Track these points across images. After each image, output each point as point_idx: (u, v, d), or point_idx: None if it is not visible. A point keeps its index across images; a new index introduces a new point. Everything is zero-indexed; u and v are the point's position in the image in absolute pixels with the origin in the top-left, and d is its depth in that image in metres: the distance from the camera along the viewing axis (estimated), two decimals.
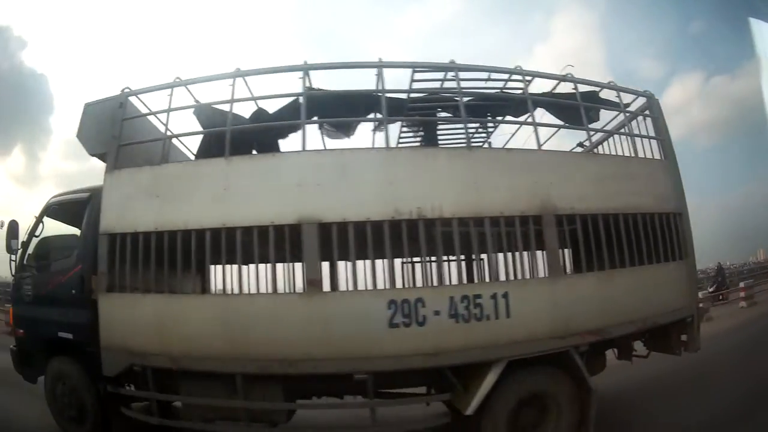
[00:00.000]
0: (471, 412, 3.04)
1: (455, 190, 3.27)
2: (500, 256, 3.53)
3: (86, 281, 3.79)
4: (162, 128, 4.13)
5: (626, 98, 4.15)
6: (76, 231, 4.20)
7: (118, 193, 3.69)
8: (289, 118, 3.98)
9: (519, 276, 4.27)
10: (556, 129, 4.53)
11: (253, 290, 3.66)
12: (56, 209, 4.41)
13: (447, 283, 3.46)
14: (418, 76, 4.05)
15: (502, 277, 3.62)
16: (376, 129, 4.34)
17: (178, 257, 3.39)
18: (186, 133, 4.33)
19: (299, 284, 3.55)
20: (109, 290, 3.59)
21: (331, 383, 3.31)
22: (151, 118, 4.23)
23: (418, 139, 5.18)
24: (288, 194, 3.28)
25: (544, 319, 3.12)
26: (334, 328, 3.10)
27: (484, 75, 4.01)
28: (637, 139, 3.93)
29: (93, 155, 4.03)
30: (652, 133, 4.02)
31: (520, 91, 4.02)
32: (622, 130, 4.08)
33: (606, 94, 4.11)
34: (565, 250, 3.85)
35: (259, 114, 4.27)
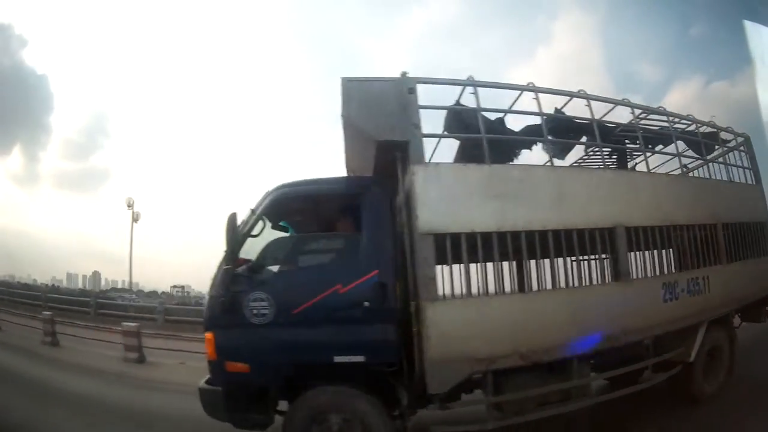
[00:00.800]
0: (692, 359, 4.32)
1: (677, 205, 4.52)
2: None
3: (389, 289, 3.22)
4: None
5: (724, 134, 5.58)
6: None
7: (440, 190, 3.34)
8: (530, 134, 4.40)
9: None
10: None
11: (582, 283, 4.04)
12: (290, 202, 3.42)
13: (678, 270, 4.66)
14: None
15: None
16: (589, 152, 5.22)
17: (524, 255, 3.48)
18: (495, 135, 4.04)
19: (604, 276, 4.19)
20: (435, 297, 3.23)
21: (620, 354, 4.00)
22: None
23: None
24: (603, 202, 3.90)
25: (722, 292, 4.68)
26: (634, 306, 3.90)
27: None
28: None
29: (380, 141, 3.42)
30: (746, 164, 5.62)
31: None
32: (721, 160, 5.60)
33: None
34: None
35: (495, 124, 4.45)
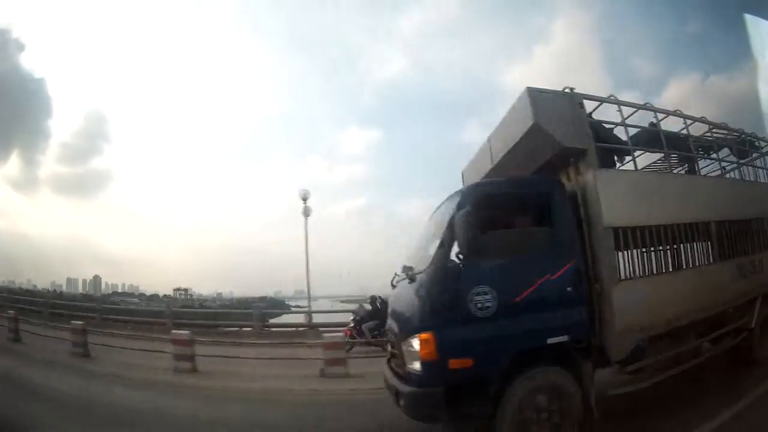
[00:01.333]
0: (753, 326, 5.24)
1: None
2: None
3: (583, 275, 3.73)
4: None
5: None
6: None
7: (613, 191, 3.96)
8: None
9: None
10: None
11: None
12: (491, 199, 3.83)
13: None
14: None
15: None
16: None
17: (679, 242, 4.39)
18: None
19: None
20: (617, 280, 3.89)
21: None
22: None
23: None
24: (702, 202, 4.79)
25: None
26: (725, 281, 4.87)
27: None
28: None
29: (565, 147, 3.98)
30: None
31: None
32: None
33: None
34: None
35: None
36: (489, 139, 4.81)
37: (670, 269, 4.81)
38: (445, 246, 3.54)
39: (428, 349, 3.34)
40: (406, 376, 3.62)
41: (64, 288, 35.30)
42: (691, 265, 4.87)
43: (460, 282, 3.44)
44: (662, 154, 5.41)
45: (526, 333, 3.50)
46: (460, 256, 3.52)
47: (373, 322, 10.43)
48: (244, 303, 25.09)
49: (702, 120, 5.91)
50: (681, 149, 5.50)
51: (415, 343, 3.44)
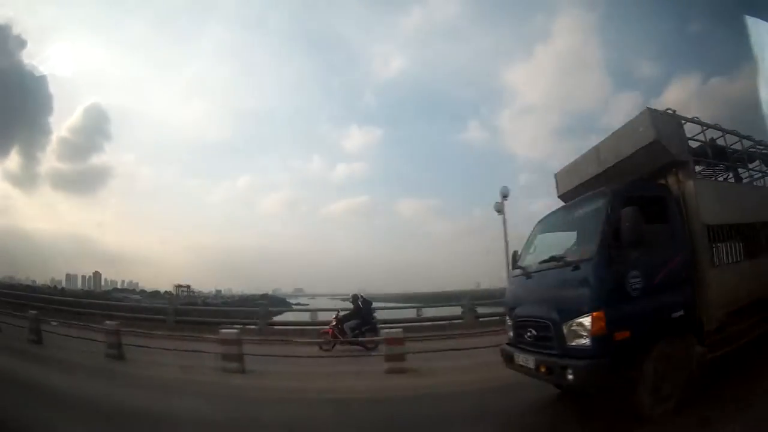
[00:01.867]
0: None
1: None
2: None
3: (690, 263, 4.68)
4: None
5: None
6: None
7: (706, 196, 4.96)
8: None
9: None
10: None
11: None
12: (627, 200, 4.57)
13: None
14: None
15: None
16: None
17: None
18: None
19: None
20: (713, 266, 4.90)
21: None
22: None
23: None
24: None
25: None
26: None
27: None
28: None
29: (677, 160, 4.96)
30: None
31: None
32: None
33: None
34: None
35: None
36: (597, 149, 5.68)
37: (748, 257, 5.70)
38: (607, 237, 4.26)
39: (599, 325, 4.02)
40: (567, 353, 4.22)
41: (63, 284, 33.70)
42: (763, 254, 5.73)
43: (621, 267, 4.19)
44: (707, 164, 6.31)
45: (660, 309, 4.35)
46: (619, 246, 4.20)
47: (354, 321, 10.57)
48: (246, 300, 24.42)
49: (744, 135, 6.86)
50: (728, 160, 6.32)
51: (587, 322, 4.09)
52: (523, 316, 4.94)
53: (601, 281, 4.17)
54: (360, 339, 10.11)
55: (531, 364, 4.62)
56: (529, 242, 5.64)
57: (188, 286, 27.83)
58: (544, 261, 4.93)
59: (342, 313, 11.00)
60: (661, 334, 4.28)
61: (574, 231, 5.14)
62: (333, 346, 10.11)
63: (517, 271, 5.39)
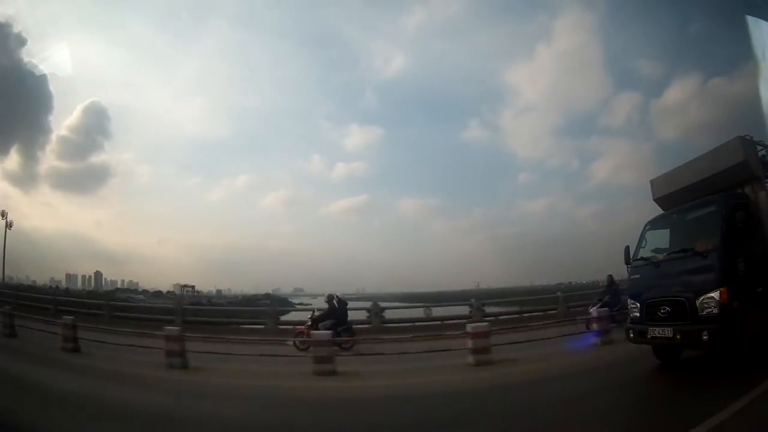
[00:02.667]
0: None
1: None
2: None
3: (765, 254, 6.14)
4: None
5: None
6: None
7: None
8: None
9: None
10: None
11: None
12: (734, 207, 5.99)
13: None
14: None
15: None
16: None
17: None
18: None
19: None
20: None
21: None
22: None
23: None
24: None
25: None
26: None
27: None
28: None
29: (759, 177, 6.41)
30: None
31: None
32: None
33: None
34: None
35: None
36: (689, 164, 7.12)
37: None
38: (726, 233, 5.70)
39: (724, 297, 5.45)
40: (700, 321, 5.51)
41: (63, 284, 32.55)
42: None
43: (734, 255, 5.66)
44: None
45: (751, 284, 5.76)
46: (733, 239, 5.69)
47: (329, 321, 10.47)
48: (249, 300, 23.21)
49: None
50: None
51: (716, 296, 5.48)
52: (656, 298, 6.13)
53: (724, 265, 5.60)
54: (336, 339, 9.89)
55: (668, 334, 5.83)
56: (641, 239, 6.87)
57: (193, 287, 26.13)
58: (673, 252, 6.26)
59: (317, 313, 11.02)
60: (751, 305, 5.65)
61: (689, 229, 6.49)
62: (309, 346, 9.89)
63: (640, 262, 6.64)
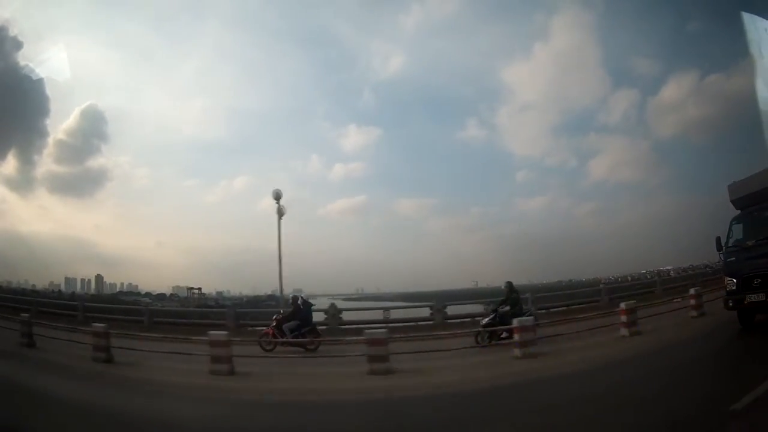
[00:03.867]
0: None
1: None
2: None
3: None
4: None
5: None
6: None
7: None
8: None
9: None
10: None
11: None
12: None
13: None
14: None
15: None
16: None
17: None
18: None
19: None
20: None
21: None
22: None
23: None
24: None
25: None
26: None
27: None
28: None
29: None
30: None
31: None
32: None
33: None
34: None
35: None
36: (762, 173, 8.32)
37: None
38: None
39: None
40: None
41: (62, 288, 30.75)
42: None
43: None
44: None
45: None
46: None
47: (294, 322, 10.44)
48: (253, 302, 22.62)
49: None
50: None
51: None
52: (750, 272, 7.70)
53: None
54: (300, 340, 10.12)
55: (761, 298, 7.42)
56: (729, 231, 8.37)
57: (199, 289, 25.12)
58: (760, 239, 7.79)
59: (282, 314, 11.01)
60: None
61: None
62: (274, 347, 10.15)
63: (734, 248, 8.26)
